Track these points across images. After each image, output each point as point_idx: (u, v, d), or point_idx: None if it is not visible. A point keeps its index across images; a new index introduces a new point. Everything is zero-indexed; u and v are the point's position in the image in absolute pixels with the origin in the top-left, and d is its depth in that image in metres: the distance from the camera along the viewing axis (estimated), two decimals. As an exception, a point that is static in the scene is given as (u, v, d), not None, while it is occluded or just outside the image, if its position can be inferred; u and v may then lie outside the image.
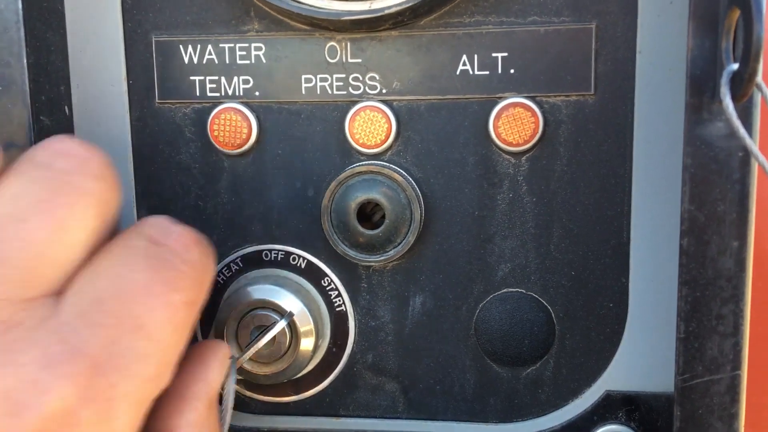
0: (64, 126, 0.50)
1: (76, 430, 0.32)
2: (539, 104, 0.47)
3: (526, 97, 0.47)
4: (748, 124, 0.36)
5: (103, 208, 0.37)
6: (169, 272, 0.37)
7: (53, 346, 0.32)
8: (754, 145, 0.34)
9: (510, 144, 0.47)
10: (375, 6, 0.46)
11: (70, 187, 0.35)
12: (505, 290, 0.49)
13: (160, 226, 0.40)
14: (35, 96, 0.44)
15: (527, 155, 0.48)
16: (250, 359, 0.49)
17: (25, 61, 0.43)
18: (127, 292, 0.35)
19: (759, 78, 0.33)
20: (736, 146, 0.37)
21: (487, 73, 0.47)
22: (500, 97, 0.47)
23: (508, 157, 0.48)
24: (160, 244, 0.38)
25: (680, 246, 0.39)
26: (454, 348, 0.50)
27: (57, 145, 0.37)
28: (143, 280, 0.36)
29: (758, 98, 0.35)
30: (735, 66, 0.34)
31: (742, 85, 0.33)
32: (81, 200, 0.35)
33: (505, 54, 0.47)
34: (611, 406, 0.49)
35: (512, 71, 0.47)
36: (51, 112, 0.48)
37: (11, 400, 0.31)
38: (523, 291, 0.49)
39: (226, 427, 0.45)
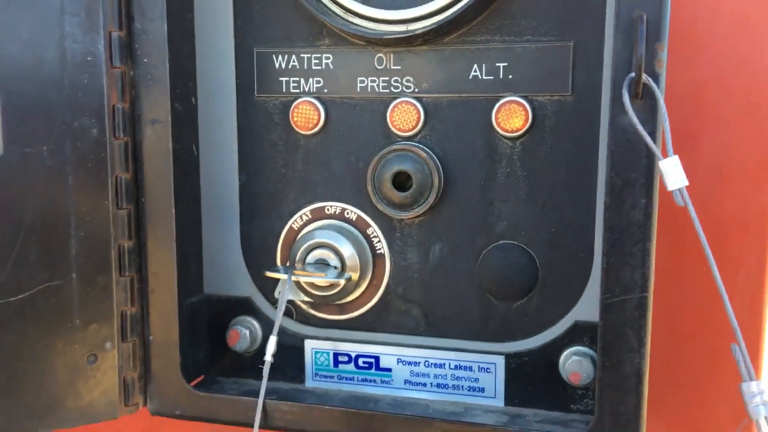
0: (191, 112, 0.70)
1: None
2: (530, 102, 0.63)
3: (520, 96, 0.63)
4: (653, 115, 0.51)
5: None
6: None
7: None
8: (641, 126, 0.49)
9: (507, 131, 0.63)
10: (410, 28, 0.63)
11: None
12: (501, 242, 0.65)
13: None
14: (173, 89, 0.65)
15: (520, 140, 0.64)
16: (310, 283, 0.67)
17: (168, 65, 0.63)
18: None
19: (646, 78, 0.48)
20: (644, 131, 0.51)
21: (492, 78, 0.63)
22: (501, 96, 0.63)
23: (506, 141, 0.64)
24: None
25: (604, 202, 0.54)
26: (463, 284, 0.67)
27: None
28: None
29: (658, 94, 0.50)
30: (632, 75, 0.49)
31: (636, 86, 0.48)
32: None
33: (506, 64, 0.63)
34: (579, 332, 0.64)
35: (510, 76, 0.63)
36: (182, 101, 0.68)
37: None
38: (515, 243, 0.65)
39: (278, 320, 0.65)
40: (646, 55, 0.51)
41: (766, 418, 0.46)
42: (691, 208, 0.48)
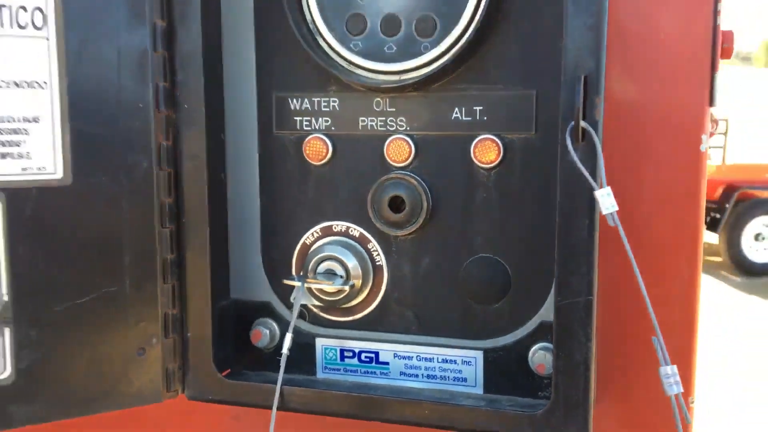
0: (220, 146, 0.83)
1: None
2: (501, 139, 0.75)
3: (494, 134, 0.76)
4: (594, 154, 0.64)
5: None
6: None
7: None
8: (580, 164, 0.62)
9: (483, 163, 0.76)
10: (403, 78, 0.77)
11: None
12: (480, 255, 0.78)
13: None
14: (207, 129, 0.78)
15: (494, 170, 0.76)
16: (320, 290, 0.80)
17: (204, 108, 0.77)
18: None
19: (585, 125, 0.61)
20: (587, 167, 0.64)
21: (470, 118, 0.76)
22: (477, 134, 0.76)
23: (482, 171, 0.77)
24: None
25: (556, 223, 0.67)
26: (447, 291, 0.80)
27: None
28: None
29: (595, 138, 0.63)
30: (572, 123, 0.62)
31: (576, 131, 0.61)
32: None
33: (481, 107, 0.76)
34: (544, 330, 0.76)
35: (485, 118, 0.76)
36: (212, 137, 0.81)
37: None
38: (492, 255, 0.78)
39: (293, 321, 0.78)
40: (587, 107, 0.64)
41: (676, 395, 0.59)
42: (620, 228, 0.61)
